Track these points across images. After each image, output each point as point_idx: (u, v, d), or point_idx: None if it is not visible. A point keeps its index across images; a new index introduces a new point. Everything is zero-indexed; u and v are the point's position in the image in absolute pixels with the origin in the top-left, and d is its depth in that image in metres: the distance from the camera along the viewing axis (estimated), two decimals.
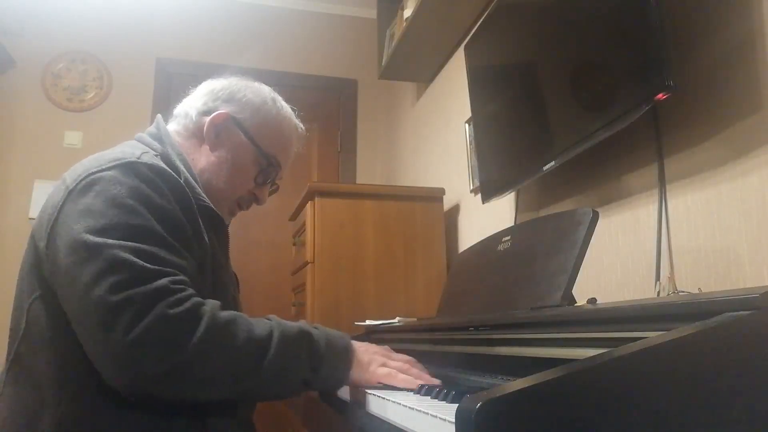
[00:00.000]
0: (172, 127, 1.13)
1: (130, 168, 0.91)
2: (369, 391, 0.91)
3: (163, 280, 0.82)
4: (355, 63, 3.62)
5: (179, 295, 0.82)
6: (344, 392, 1.04)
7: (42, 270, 0.91)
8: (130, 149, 0.98)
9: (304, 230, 2.22)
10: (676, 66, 1.06)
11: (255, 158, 1.13)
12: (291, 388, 0.90)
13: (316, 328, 0.95)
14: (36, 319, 0.90)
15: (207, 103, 1.12)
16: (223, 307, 0.88)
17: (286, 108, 1.20)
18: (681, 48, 1.18)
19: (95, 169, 0.91)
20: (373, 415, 0.86)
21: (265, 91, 1.18)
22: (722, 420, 0.54)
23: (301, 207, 2.34)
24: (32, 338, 0.90)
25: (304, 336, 0.91)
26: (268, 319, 0.92)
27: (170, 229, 0.90)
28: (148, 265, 0.83)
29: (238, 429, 0.98)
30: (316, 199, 2.16)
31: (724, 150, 1.11)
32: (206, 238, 0.98)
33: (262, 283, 3.06)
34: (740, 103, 1.07)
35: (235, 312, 0.89)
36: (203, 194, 1.03)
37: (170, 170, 0.96)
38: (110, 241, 0.83)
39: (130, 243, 0.84)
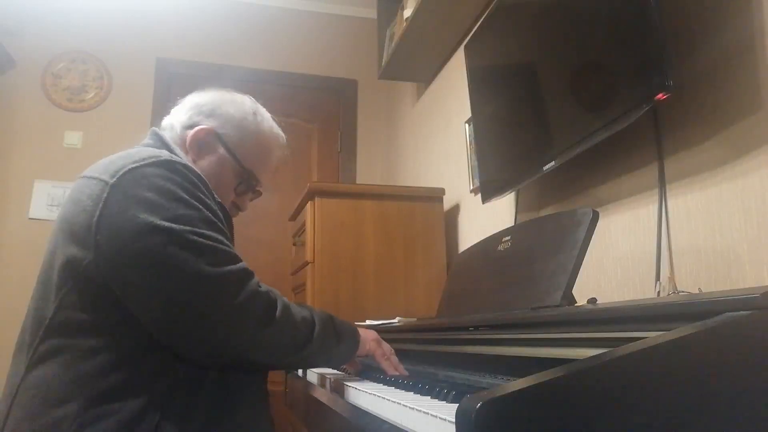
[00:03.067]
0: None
1: (170, 165, 0.96)
2: (370, 391, 0.92)
3: (241, 263, 0.93)
4: (355, 63, 3.62)
5: (257, 277, 0.94)
6: (346, 391, 1.05)
7: (77, 260, 0.92)
8: (156, 150, 1.02)
9: (304, 230, 2.22)
10: (676, 66, 1.06)
11: (235, 171, 1.18)
12: (324, 359, 1.07)
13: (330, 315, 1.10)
14: (71, 305, 0.92)
15: (192, 117, 1.17)
16: None
17: (267, 120, 1.23)
18: (681, 48, 1.18)
19: (133, 165, 0.94)
20: (373, 414, 0.86)
21: (247, 104, 1.21)
22: (722, 420, 0.54)
23: (301, 207, 2.34)
24: (66, 323, 0.92)
25: (329, 318, 1.06)
26: (301, 305, 1.04)
27: (219, 220, 0.97)
28: (226, 248, 0.92)
29: (261, 384, 1.07)
30: (316, 199, 2.16)
31: (724, 150, 1.11)
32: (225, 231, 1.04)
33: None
34: (740, 103, 1.07)
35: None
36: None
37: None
38: (187, 227, 0.89)
39: (204, 231, 0.91)
